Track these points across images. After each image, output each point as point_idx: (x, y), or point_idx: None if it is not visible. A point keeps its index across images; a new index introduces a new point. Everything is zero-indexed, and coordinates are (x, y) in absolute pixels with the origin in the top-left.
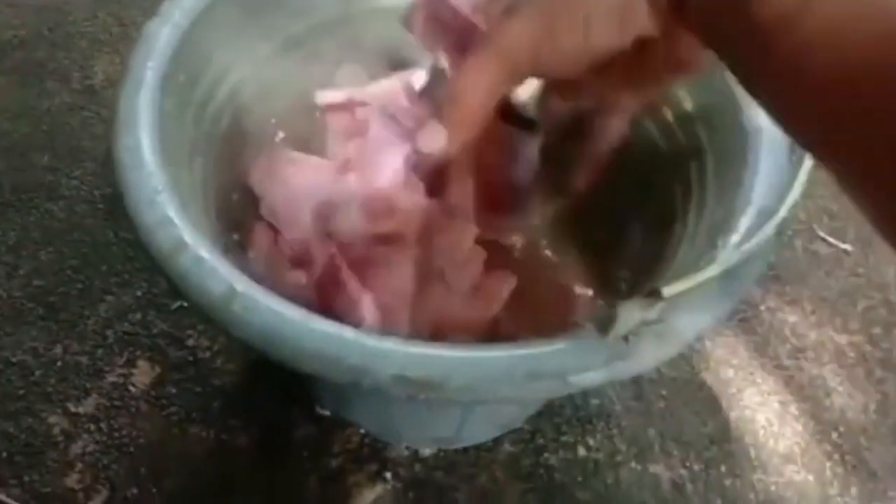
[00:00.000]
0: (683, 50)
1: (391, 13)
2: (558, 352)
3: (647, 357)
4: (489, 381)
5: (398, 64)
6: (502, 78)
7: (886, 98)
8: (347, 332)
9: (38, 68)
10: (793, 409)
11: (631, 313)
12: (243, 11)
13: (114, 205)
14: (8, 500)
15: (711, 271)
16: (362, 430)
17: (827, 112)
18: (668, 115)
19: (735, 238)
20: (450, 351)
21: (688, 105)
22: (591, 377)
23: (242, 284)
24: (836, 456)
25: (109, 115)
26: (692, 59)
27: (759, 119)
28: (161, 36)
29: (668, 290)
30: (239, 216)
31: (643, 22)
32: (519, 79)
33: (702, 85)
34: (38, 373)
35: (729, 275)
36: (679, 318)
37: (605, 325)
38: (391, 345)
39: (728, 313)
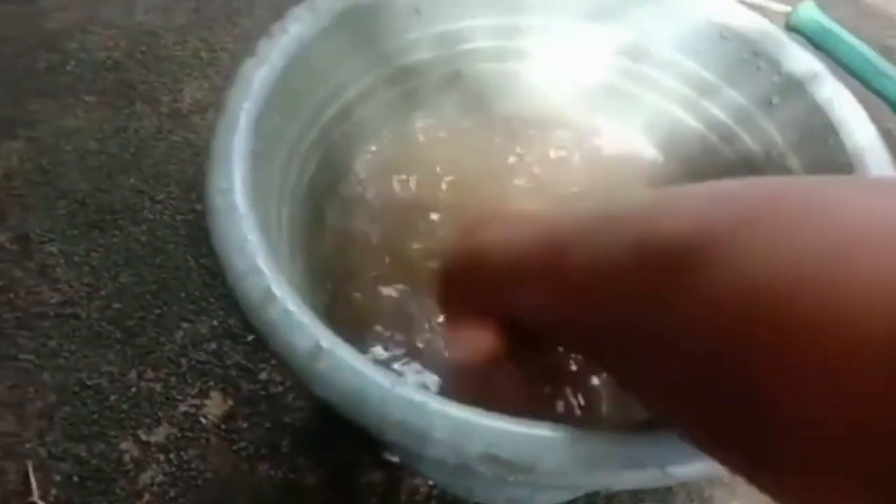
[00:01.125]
0: None
1: (487, 53)
2: (658, 440)
3: None
4: (584, 467)
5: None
6: None
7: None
8: (435, 402)
9: (128, 90)
10: None
11: None
12: (338, 53)
13: (195, 231)
14: None
15: None
16: (430, 482)
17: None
18: (755, 147)
19: None
20: (544, 430)
21: (776, 137)
22: (692, 469)
23: (328, 341)
24: None
25: (195, 140)
26: None
27: (858, 136)
28: (257, 77)
29: None
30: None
31: None
32: None
33: (789, 114)
34: (112, 397)
35: None
36: None
37: None
38: (481, 419)
39: None
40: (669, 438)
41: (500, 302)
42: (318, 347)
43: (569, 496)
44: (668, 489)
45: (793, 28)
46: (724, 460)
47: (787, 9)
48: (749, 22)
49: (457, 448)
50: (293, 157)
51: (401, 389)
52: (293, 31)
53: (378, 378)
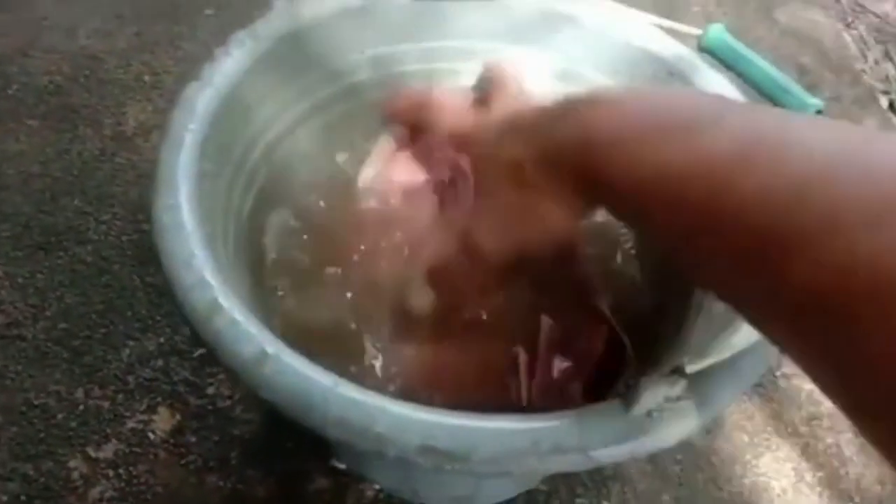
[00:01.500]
0: None
1: (419, 75)
2: (582, 426)
3: (670, 433)
4: (514, 454)
5: None
6: None
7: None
8: (374, 399)
9: (71, 113)
10: (808, 477)
11: (655, 389)
12: (278, 76)
13: (141, 250)
14: None
15: (734, 348)
16: (377, 486)
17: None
18: None
19: None
20: (476, 422)
21: None
22: (614, 452)
23: (273, 347)
24: None
25: (139, 162)
26: None
27: None
28: (200, 99)
29: (690, 367)
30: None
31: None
32: None
33: None
34: (59, 416)
35: (751, 351)
36: (702, 395)
37: (629, 400)
38: (418, 413)
39: (750, 388)
40: (593, 424)
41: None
42: (264, 353)
43: (509, 494)
44: (604, 484)
45: (704, 49)
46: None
47: (699, 31)
48: (665, 45)
49: (396, 441)
50: (238, 177)
51: (342, 389)
52: (236, 55)
53: (320, 379)
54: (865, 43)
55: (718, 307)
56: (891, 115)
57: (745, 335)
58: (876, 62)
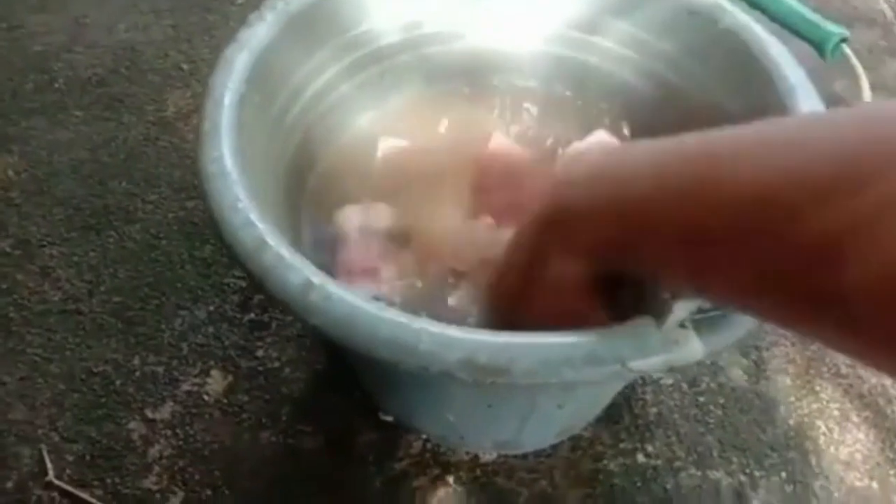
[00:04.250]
0: None
1: (450, 37)
2: (617, 338)
3: (703, 343)
4: (551, 365)
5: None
6: None
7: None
8: (416, 322)
9: (115, 102)
10: (853, 417)
11: (686, 301)
12: (312, 38)
13: (187, 226)
14: (91, 500)
15: None
16: (424, 436)
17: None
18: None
19: None
20: (514, 338)
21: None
22: (650, 362)
23: (319, 278)
24: None
25: (182, 145)
26: None
27: (790, 77)
28: (238, 60)
29: None
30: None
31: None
32: None
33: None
34: (117, 382)
35: None
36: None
37: (661, 313)
38: (457, 332)
39: None
40: (628, 336)
41: (610, 237)
42: (310, 283)
43: (553, 440)
44: (647, 429)
45: None
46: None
47: None
48: None
49: (439, 356)
50: (277, 132)
51: (387, 312)
52: (269, 18)
53: (365, 304)
54: None
55: None
56: None
57: None
58: None
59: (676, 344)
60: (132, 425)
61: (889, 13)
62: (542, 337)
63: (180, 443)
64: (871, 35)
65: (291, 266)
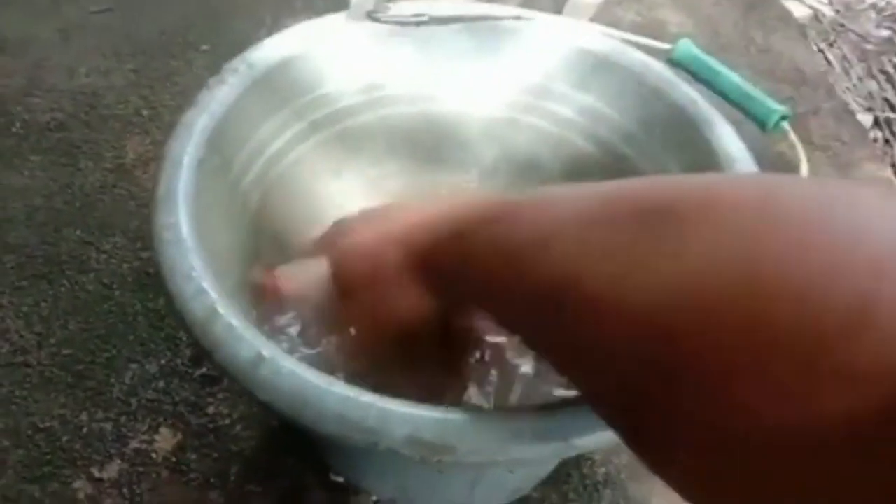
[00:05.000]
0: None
1: (409, 99)
2: (563, 416)
3: None
4: (498, 443)
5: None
6: None
7: None
8: (365, 396)
9: (72, 148)
10: None
11: None
12: (272, 100)
13: (142, 277)
14: None
15: None
16: (374, 498)
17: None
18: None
19: None
20: (461, 415)
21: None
22: (594, 439)
23: (269, 350)
24: None
25: (139, 193)
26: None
27: (730, 148)
28: (197, 124)
29: None
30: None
31: None
32: None
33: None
34: (64, 439)
35: None
36: None
37: None
38: (406, 408)
39: None
40: (571, 415)
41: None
42: (260, 356)
43: (503, 501)
44: (595, 489)
45: (674, 62)
46: (631, 440)
47: (669, 46)
48: (634, 58)
49: (386, 433)
50: (235, 195)
51: (335, 387)
52: (230, 81)
53: (315, 379)
54: (848, 61)
55: None
56: (868, 128)
57: None
58: (859, 79)
59: None
60: (77, 484)
61: (836, 65)
62: (488, 415)
63: (126, 503)
64: (816, 96)
65: (241, 338)
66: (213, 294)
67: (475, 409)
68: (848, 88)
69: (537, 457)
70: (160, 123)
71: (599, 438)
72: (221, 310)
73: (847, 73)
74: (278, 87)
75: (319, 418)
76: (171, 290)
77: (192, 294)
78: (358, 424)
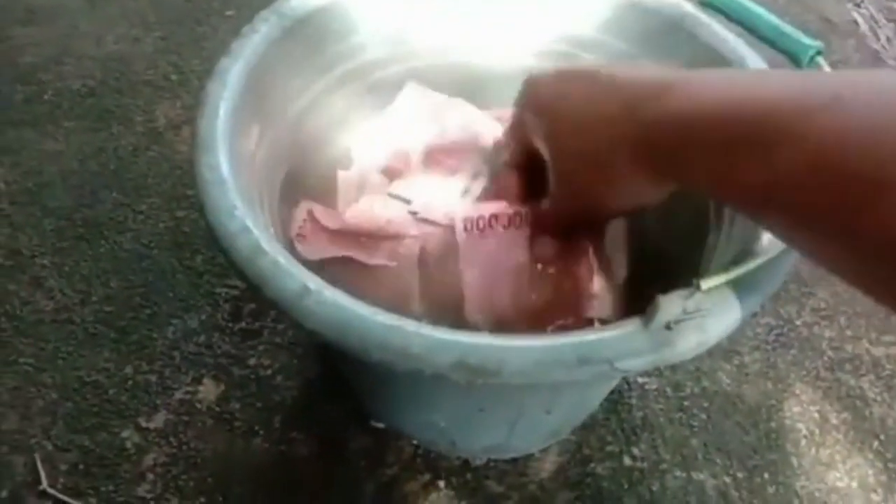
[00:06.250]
0: None
1: (435, 51)
2: (606, 339)
3: (688, 344)
4: (541, 366)
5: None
6: None
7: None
8: (409, 325)
9: (105, 114)
10: (833, 419)
11: (672, 305)
12: (304, 50)
13: (178, 236)
14: None
15: (746, 267)
16: (414, 442)
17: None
18: None
19: (766, 241)
20: (504, 340)
21: None
22: (636, 362)
23: (314, 283)
24: (879, 463)
25: (171, 155)
26: None
27: None
28: (233, 71)
29: (705, 284)
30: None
31: None
32: None
33: None
34: (110, 391)
35: (762, 269)
36: (716, 309)
37: (647, 314)
38: (449, 335)
39: (761, 305)
40: (616, 337)
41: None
42: (306, 288)
43: (541, 444)
44: (633, 432)
45: (705, 3)
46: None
47: None
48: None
49: (432, 360)
50: (271, 140)
51: (380, 317)
52: (262, 30)
53: (359, 308)
54: (876, 22)
55: (736, 232)
56: None
57: (759, 254)
58: (888, 40)
59: (662, 345)
60: (125, 434)
61: (863, 25)
62: (532, 339)
63: (174, 451)
64: (846, 46)
65: (287, 272)
66: (257, 231)
67: (517, 335)
68: (876, 50)
69: (579, 379)
70: (189, 88)
71: (643, 361)
72: (266, 246)
73: (875, 33)
74: (308, 36)
75: (365, 346)
76: (215, 228)
77: (237, 231)
78: (404, 351)
